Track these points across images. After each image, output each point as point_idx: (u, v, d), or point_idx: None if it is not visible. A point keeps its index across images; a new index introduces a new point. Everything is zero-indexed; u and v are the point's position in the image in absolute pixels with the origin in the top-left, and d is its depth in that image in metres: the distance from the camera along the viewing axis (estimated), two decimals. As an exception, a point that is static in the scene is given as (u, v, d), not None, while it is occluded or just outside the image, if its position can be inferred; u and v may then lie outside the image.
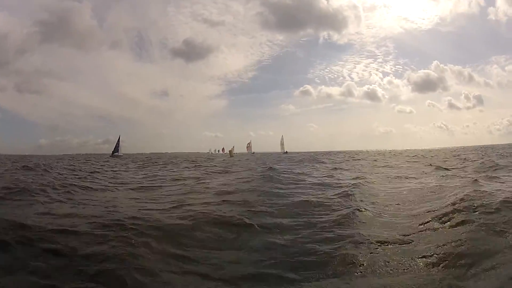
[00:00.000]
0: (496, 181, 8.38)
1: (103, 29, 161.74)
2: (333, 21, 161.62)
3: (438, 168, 14.46)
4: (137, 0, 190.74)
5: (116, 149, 59.66)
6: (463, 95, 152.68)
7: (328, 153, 65.85)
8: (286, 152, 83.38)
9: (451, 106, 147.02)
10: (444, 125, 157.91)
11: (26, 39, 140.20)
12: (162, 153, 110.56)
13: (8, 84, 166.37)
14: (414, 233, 4.25)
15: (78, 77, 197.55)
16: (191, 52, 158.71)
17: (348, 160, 27.66)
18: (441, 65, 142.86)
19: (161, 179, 12.43)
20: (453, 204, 5.26)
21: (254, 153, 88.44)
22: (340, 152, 76.53)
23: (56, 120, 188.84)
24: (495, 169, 12.60)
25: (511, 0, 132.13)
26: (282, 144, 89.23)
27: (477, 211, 4.70)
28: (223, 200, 6.75)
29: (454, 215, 4.68)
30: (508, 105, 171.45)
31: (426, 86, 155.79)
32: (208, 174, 14.47)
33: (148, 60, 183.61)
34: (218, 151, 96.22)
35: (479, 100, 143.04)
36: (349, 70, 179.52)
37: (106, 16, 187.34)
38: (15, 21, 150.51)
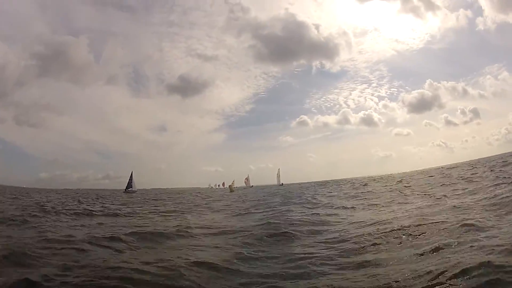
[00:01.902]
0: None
1: (99, 64, 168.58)
2: (325, 49, 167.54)
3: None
4: (132, 34, 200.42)
5: (130, 184, 61.00)
6: (459, 110, 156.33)
7: (325, 182, 68.48)
8: (282, 184, 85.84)
9: (448, 123, 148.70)
10: (443, 142, 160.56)
11: (24, 71, 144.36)
12: (163, 188, 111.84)
13: (8, 116, 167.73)
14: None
15: (75, 111, 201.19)
16: (187, 87, 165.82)
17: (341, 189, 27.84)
18: (435, 83, 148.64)
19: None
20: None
21: (252, 186, 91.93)
22: (339, 180, 79.11)
23: (55, 153, 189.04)
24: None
25: (498, 5, 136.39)
26: (278, 176, 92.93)
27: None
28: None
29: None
30: (504, 114, 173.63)
31: (421, 106, 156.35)
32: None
33: (145, 95, 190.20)
34: (218, 185, 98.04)
35: (475, 113, 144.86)
36: (345, 97, 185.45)
37: (102, 51, 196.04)
38: (13, 53, 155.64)
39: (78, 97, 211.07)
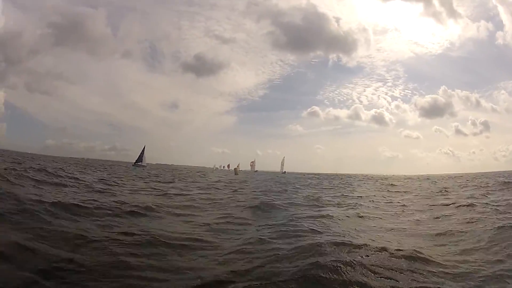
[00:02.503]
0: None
1: (116, 37, 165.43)
2: (343, 43, 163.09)
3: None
4: (151, 11, 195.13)
5: (140, 158, 60.80)
6: (470, 121, 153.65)
7: (330, 176, 68.36)
8: (285, 172, 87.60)
9: (458, 132, 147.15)
10: (451, 151, 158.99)
11: (39, 40, 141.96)
12: (169, 165, 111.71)
13: (19, 83, 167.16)
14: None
15: (89, 82, 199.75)
16: (202, 67, 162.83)
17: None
18: (449, 90, 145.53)
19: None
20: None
21: (257, 171, 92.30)
22: (343, 175, 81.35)
23: (64, 122, 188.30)
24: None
25: None
26: (282, 164, 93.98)
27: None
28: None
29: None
30: None
31: (433, 111, 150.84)
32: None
33: (160, 71, 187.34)
34: (223, 167, 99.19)
35: (486, 126, 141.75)
36: (358, 93, 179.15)
37: (120, 25, 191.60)
38: (29, 21, 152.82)
39: (92, 68, 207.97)
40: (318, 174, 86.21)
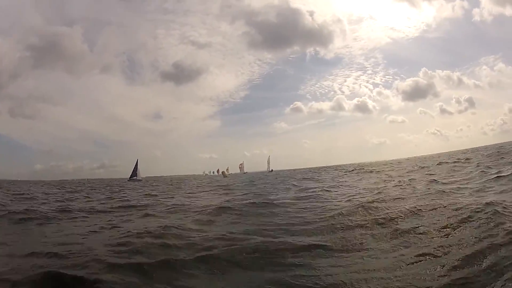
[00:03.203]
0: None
1: (93, 52, 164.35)
2: (319, 36, 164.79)
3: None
4: (126, 23, 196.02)
5: (134, 173, 60.73)
6: (454, 99, 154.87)
7: (319, 169, 74.01)
8: (271, 170, 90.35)
9: (443, 111, 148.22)
10: (438, 131, 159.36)
11: (18, 63, 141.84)
12: (158, 176, 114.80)
13: (2, 109, 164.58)
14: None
15: (71, 101, 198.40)
16: (181, 74, 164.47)
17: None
18: (430, 71, 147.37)
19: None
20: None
21: (246, 172, 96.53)
22: (333, 166, 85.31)
23: (50, 144, 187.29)
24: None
25: None
26: (268, 163, 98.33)
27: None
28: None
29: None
30: (500, 105, 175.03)
31: (416, 94, 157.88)
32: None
33: (140, 82, 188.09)
34: (213, 172, 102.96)
35: (471, 102, 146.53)
36: (339, 84, 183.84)
37: (96, 40, 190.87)
38: (7, 44, 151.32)
39: (73, 87, 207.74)
40: (309, 168, 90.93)
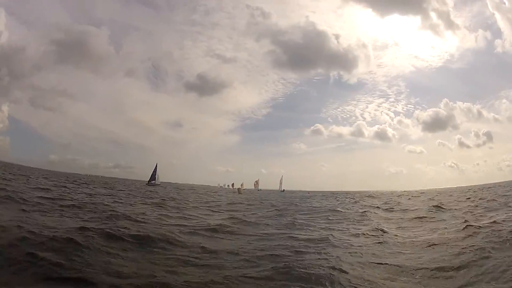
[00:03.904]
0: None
1: (119, 55, 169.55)
2: (344, 60, 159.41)
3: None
4: (154, 30, 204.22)
5: (153, 177, 60.67)
6: (472, 132, 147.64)
7: (332, 193, 72.47)
8: (283, 190, 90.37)
9: (461, 144, 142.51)
10: (455, 164, 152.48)
11: (42, 56, 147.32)
12: (172, 183, 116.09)
13: (23, 98, 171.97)
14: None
15: (92, 100, 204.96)
16: (205, 86, 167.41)
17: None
18: (451, 102, 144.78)
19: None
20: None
21: (260, 190, 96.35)
22: (347, 192, 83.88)
23: (68, 138, 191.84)
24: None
25: None
26: (280, 183, 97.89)
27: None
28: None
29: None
30: None
31: (436, 125, 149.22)
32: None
33: (163, 90, 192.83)
34: (228, 186, 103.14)
35: (489, 136, 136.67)
36: (361, 110, 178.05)
37: (122, 43, 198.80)
38: (33, 37, 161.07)
39: (96, 86, 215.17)
40: (322, 191, 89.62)
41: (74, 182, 33.72)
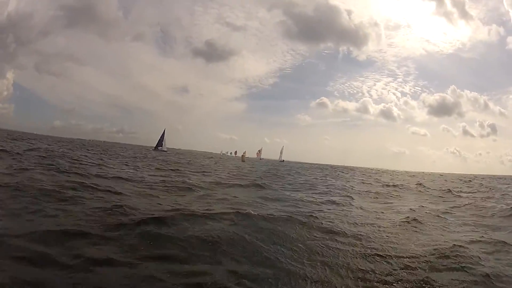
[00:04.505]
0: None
1: (128, 20, 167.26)
2: (354, 37, 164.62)
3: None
4: None
5: (160, 143, 59.74)
6: (477, 122, 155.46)
7: (333, 166, 73.26)
8: (283, 160, 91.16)
9: (465, 132, 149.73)
10: (458, 151, 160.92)
11: (50, 21, 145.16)
12: (176, 149, 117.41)
13: (29, 63, 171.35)
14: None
15: (99, 64, 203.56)
16: (213, 53, 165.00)
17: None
18: (458, 90, 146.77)
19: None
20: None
21: (262, 159, 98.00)
22: (349, 167, 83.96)
23: (73, 103, 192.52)
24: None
25: None
26: (281, 153, 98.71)
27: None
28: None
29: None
30: None
31: (441, 110, 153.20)
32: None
33: (171, 55, 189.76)
34: (231, 153, 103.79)
35: (493, 129, 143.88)
36: (368, 87, 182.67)
37: (132, 8, 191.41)
38: (41, 2, 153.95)
39: (103, 50, 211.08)
40: (325, 164, 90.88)
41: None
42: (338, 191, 13.56)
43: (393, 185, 19.55)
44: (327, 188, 14.58)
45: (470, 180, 34.99)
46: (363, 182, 21.18)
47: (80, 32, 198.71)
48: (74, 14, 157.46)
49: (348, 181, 20.84)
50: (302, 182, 17.20)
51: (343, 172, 39.09)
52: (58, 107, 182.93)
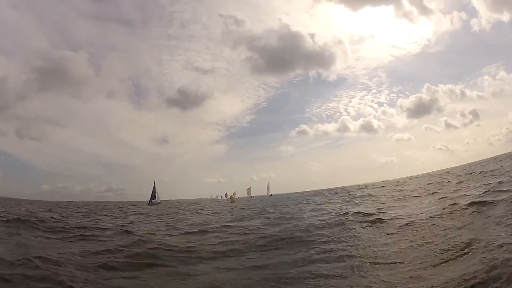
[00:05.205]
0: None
1: (99, 77, 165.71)
2: (321, 58, 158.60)
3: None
4: (131, 48, 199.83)
5: (153, 195, 59.76)
6: (458, 113, 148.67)
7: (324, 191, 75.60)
8: (271, 195, 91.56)
9: (448, 126, 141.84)
10: (444, 146, 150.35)
11: (25, 85, 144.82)
12: (166, 200, 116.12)
13: (9, 129, 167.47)
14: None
15: (77, 125, 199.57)
16: (186, 99, 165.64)
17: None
18: (432, 86, 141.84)
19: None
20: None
21: (252, 196, 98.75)
22: (339, 188, 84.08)
23: (58, 166, 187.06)
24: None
25: (491, 5, 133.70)
26: (268, 188, 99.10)
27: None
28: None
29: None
30: (504, 113, 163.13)
31: (420, 110, 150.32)
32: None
33: (146, 108, 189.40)
34: (221, 196, 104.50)
35: (475, 114, 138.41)
36: (345, 105, 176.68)
37: (101, 65, 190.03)
38: (13, 66, 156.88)
39: (79, 110, 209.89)
40: (316, 191, 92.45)
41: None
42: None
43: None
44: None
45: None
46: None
47: (54, 94, 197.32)
48: (47, 76, 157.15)
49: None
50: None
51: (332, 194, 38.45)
52: (44, 171, 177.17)
